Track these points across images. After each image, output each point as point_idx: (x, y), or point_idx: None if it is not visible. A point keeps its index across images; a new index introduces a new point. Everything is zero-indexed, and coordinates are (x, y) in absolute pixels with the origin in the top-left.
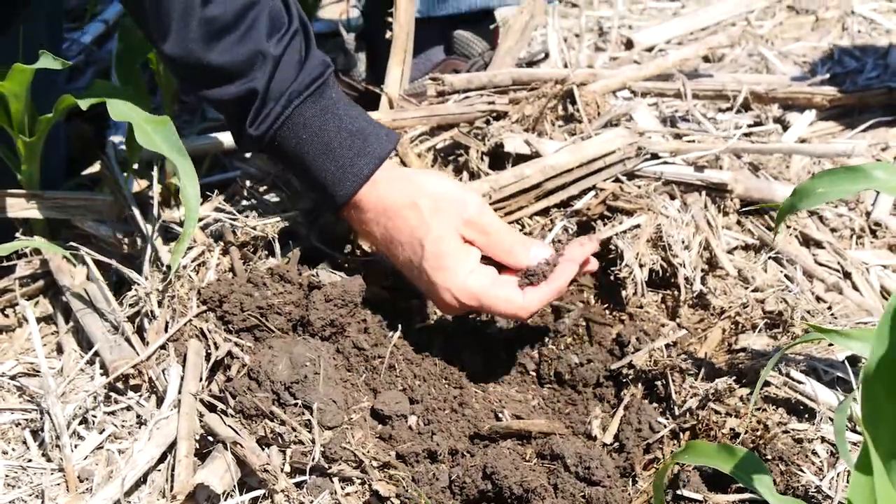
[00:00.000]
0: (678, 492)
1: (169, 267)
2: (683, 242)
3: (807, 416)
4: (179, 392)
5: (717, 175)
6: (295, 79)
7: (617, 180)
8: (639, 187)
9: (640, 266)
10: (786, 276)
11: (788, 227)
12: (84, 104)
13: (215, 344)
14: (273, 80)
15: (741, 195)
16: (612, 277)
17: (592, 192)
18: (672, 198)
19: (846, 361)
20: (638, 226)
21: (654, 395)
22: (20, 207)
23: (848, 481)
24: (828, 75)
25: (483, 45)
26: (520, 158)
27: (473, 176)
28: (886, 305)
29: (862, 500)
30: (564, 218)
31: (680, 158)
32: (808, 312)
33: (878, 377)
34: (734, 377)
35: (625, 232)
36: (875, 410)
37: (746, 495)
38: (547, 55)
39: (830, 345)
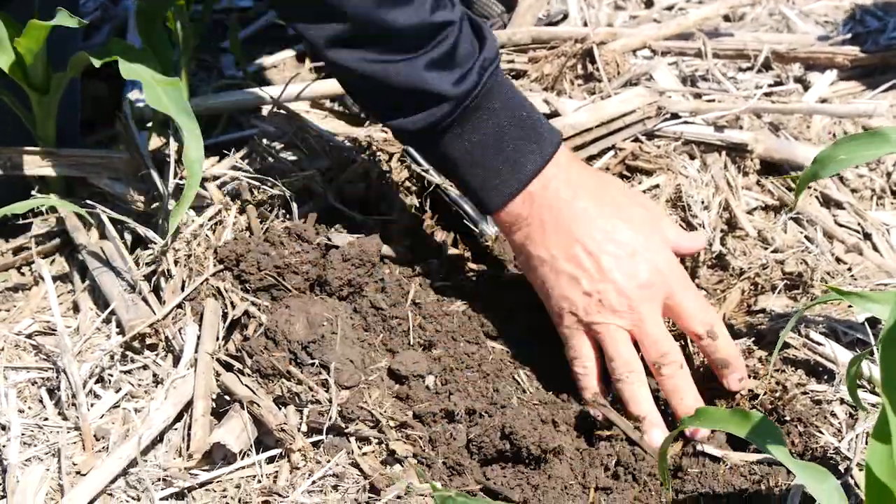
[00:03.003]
0: (699, 447)
1: (187, 224)
2: (703, 203)
3: (826, 377)
4: (196, 351)
5: (738, 135)
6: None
7: (636, 140)
8: (658, 147)
9: None
10: (806, 237)
11: (809, 187)
12: (97, 62)
13: (232, 303)
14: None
15: (761, 155)
16: None
17: (612, 152)
18: (692, 158)
19: (866, 323)
20: (657, 186)
21: None
22: (36, 165)
23: (867, 443)
24: (849, 35)
25: (502, 6)
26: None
27: None
28: None
29: (880, 465)
30: None
31: (700, 118)
32: (828, 273)
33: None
34: (753, 338)
35: (644, 192)
36: (893, 374)
37: (764, 455)
38: (566, 15)
39: (850, 306)
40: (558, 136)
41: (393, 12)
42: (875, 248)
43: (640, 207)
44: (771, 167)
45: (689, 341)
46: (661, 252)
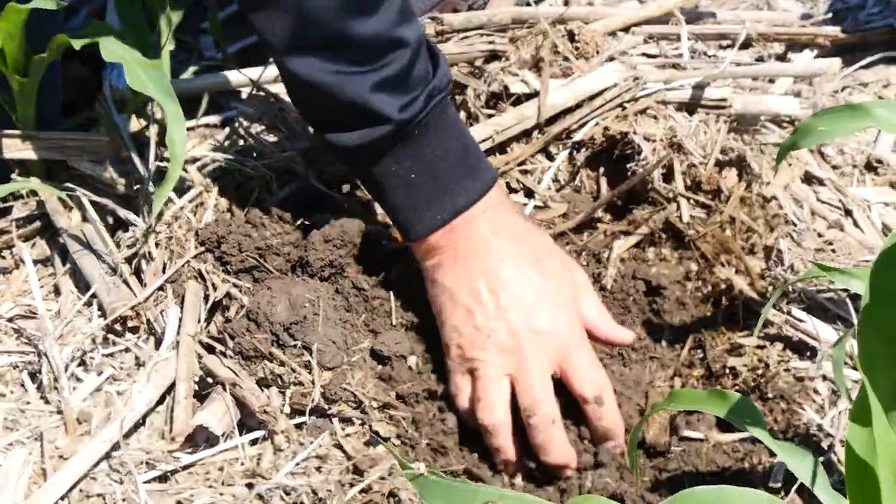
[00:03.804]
0: (684, 432)
1: (167, 207)
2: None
3: (808, 354)
4: (178, 333)
5: (716, 92)
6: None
7: (620, 106)
8: (640, 110)
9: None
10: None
11: (790, 164)
12: (77, 44)
13: (213, 285)
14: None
15: (738, 111)
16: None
17: (593, 122)
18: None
19: (848, 299)
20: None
21: None
22: (16, 148)
23: (849, 420)
24: (829, 13)
25: None
26: (519, 99)
27: (471, 117)
28: (879, 250)
29: (860, 442)
30: (567, 149)
31: (677, 84)
32: (815, 250)
33: (874, 319)
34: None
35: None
36: (872, 354)
37: (748, 434)
38: None
39: (832, 282)
40: (493, 174)
41: (356, 22)
42: (856, 225)
43: (560, 263)
44: (747, 122)
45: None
46: (565, 308)
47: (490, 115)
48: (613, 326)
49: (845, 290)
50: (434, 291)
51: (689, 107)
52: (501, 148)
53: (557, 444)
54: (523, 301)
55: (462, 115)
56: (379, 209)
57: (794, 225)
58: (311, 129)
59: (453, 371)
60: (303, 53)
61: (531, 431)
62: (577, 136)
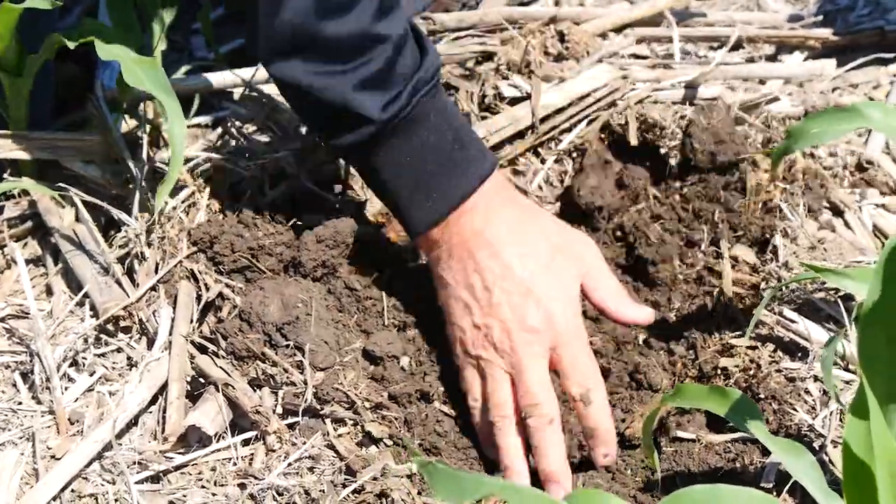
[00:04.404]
0: (675, 433)
1: (153, 210)
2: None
3: (799, 354)
4: (170, 334)
5: (708, 91)
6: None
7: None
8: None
9: None
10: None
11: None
12: (72, 43)
13: (206, 285)
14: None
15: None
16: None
17: (585, 122)
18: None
19: (839, 300)
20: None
21: None
22: (8, 148)
23: (841, 420)
24: (819, 15)
25: None
26: (512, 101)
27: (465, 117)
28: (884, 247)
29: (858, 442)
30: (562, 153)
31: (668, 83)
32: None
33: (875, 320)
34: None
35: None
36: (871, 354)
37: (739, 434)
38: None
39: (824, 283)
40: (488, 164)
41: (330, 22)
42: (848, 226)
43: (562, 250)
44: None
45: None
46: (561, 300)
47: (483, 117)
48: (628, 306)
49: (836, 291)
50: (436, 285)
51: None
52: (495, 150)
53: (553, 451)
54: (514, 296)
55: (465, 121)
56: (370, 210)
57: (789, 221)
58: (301, 126)
59: (462, 367)
60: (284, 58)
61: (529, 432)
62: (570, 136)
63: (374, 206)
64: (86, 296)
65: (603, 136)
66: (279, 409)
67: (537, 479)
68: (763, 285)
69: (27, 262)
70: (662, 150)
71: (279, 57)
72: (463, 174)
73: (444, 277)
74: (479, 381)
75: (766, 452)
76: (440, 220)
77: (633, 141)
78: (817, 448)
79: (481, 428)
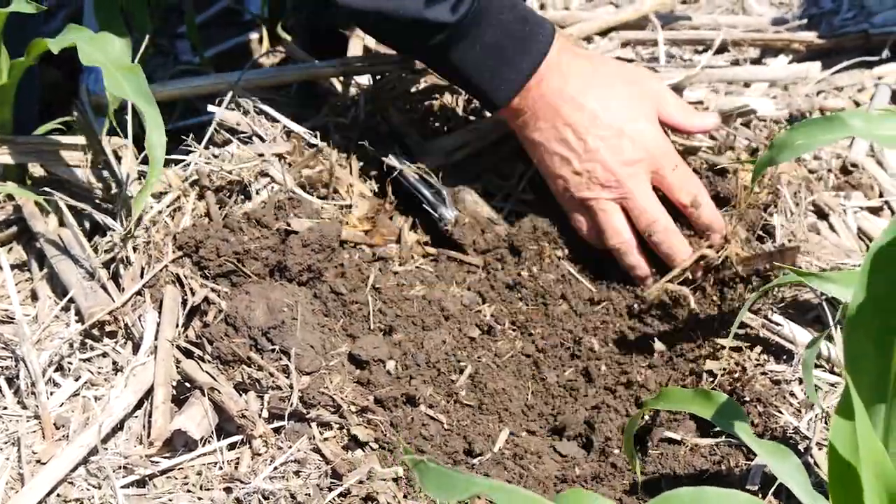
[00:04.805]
0: (665, 434)
1: (145, 212)
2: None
3: (785, 357)
4: (156, 338)
5: (694, 94)
6: None
7: None
8: None
9: None
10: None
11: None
12: (56, 48)
13: (191, 290)
14: None
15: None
16: None
17: None
18: None
19: (824, 303)
20: None
21: None
22: None
23: (826, 423)
24: (804, 18)
25: None
26: None
27: (450, 120)
28: (869, 249)
29: (844, 444)
30: None
31: None
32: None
33: (861, 322)
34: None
35: None
36: (857, 354)
37: (725, 437)
38: None
39: (809, 286)
40: (550, 31)
41: None
42: (832, 229)
43: (632, 86)
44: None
45: None
46: (649, 130)
47: (470, 120)
48: (697, 117)
49: (822, 293)
50: (528, 148)
51: None
52: (481, 153)
53: (682, 248)
54: (608, 139)
55: (441, 119)
56: (356, 213)
57: (775, 223)
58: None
59: (570, 210)
60: None
61: (656, 247)
62: None
63: (360, 210)
64: (71, 301)
65: None
66: (265, 413)
67: None
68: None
69: (12, 267)
70: None
71: None
72: (532, 44)
73: (534, 139)
74: (590, 218)
75: (751, 455)
76: (520, 90)
77: None
78: (802, 450)
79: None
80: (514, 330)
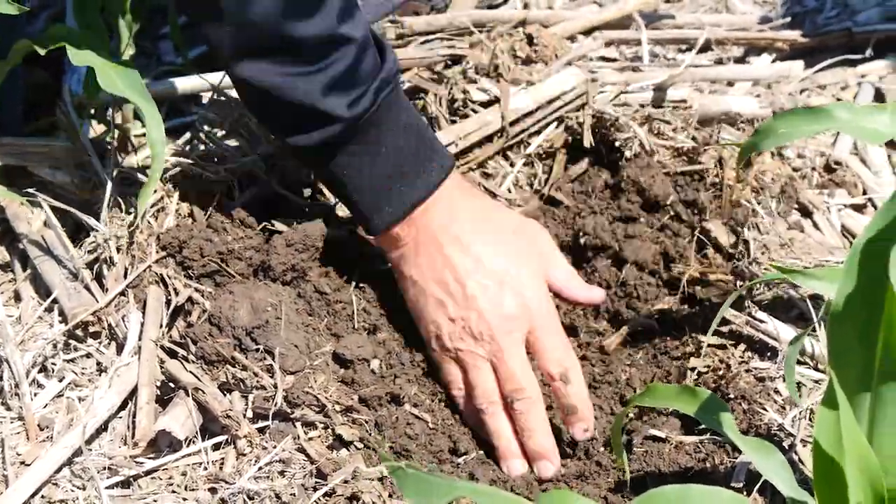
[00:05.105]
0: (650, 431)
1: (129, 212)
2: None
3: (769, 354)
4: (139, 339)
5: (677, 93)
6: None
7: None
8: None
9: None
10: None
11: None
12: (42, 49)
13: (175, 290)
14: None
15: (698, 111)
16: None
17: (554, 125)
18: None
19: (808, 300)
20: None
21: None
22: None
23: (810, 420)
24: (788, 16)
25: None
26: (481, 104)
27: (433, 122)
28: (853, 244)
29: (827, 439)
30: (531, 156)
31: (637, 86)
32: (781, 248)
33: (845, 318)
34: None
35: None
36: (841, 349)
37: (709, 434)
38: None
39: (793, 283)
40: (448, 162)
41: (298, 23)
42: (816, 226)
43: (522, 239)
44: (707, 123)
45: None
46: (532, 286)
47: (452, 121)
48: (583, 288)
49: (806, 291)
50: (403, 285)
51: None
52: (464, 154)
53: (540, 429)
54: (489, 288)
55: (424, 120)
56: (340, 213)
57: (758, 221)
58: (268, 133)
59: (441, 361)
60: (250, 59)
61: (516, 416)
62: (538, 140)
63: (344, 210)
64: (54, 301)
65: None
66: (249, 413)
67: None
68: (729, 281)
69: None
70: (618, 145)
71: (246, 58)
72: (425, 171)
73: (411, 275)
74: (461, 372)
75: (736, 452)
76: (404, 217)
77: (587, 143)
78: (787, 447)
79: (469, 416)
80: None
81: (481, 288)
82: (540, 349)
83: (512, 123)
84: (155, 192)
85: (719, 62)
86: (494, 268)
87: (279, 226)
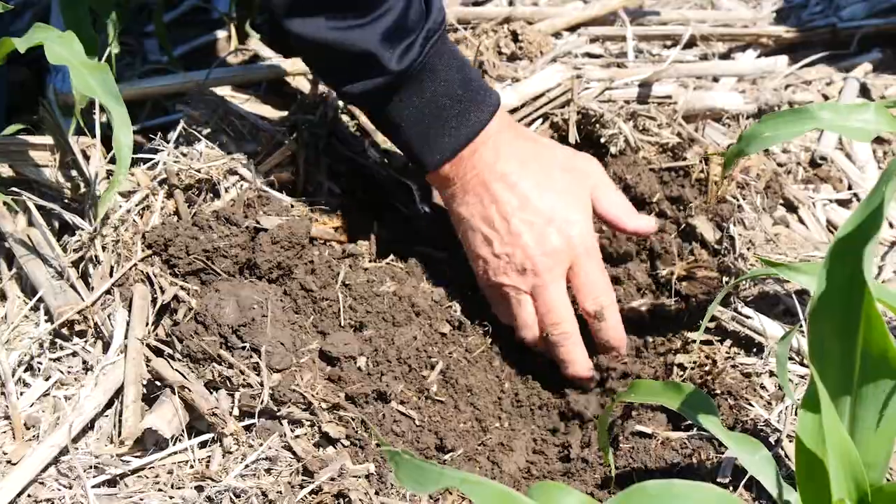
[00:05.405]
0: (637, 427)
1: (114, 210)
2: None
3: (755, 350)
4: (125, 337)
5: (663, 89)
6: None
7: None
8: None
9: None
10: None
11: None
12: (22, 47)
13: (161, 288)
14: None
15: (683, 107)
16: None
17: (539, 121)
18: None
19: (794, 295)
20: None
21: None
22: None
23: (796, 415)
24: (773, 11)
25: None
26: None
27: None
28: (831, 242)
29: (809, 435)
30: None
31: (622, 82)
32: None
33: (823, 313)
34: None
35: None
36: (821, 346)
37: (696, 430)
38: None
39: (779, 279)
40: (495, 102)
41: None
42: (801, 221)
43: (571, 175)
44: (693, 119)
45: None
46: (578, 224)
47: None
48: (635, 218)
49: (792, 287)
50: (454, 221)
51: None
52: None
53: (576, 359)
54: (533, 224)
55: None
56: (326, 211)
57: (744, 216)
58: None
59: (488, 295)
60: (304, 15)
61: (551, 348)
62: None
63: (330, 207)
64: (40, 300)
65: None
66: (236, 411)
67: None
68: (715, 277)
69: None
70: (603, 141)
71: (298, 14)
72: (472, 112)
73: (460, 212)
74: (504, 304)
75: (722, 448)
76: (453, 157)
77: (572, 139)
78: (773, 443)
79: (519, 344)
80: (484, 325)
81: (526, 224)
82: (579, 285)
83: None
84: (138, 190)
85: (704, 58)
86: (541, 206)
87: (265, 223)
